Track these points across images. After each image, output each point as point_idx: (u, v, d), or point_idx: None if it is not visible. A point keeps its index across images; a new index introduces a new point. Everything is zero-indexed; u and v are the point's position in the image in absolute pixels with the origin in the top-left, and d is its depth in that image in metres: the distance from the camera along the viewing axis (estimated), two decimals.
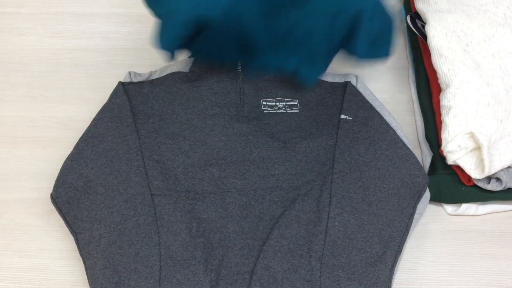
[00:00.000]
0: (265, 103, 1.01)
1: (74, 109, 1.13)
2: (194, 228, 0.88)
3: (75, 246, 0.96)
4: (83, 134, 0.98)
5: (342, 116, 0.98)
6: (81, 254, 0.89)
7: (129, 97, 1.01)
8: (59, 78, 1.18)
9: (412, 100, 1.14)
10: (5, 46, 1.23)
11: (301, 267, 0.84)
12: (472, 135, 0.94)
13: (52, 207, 0.99)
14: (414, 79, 1.14)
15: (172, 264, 0.85)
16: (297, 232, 0.87)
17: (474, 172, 0.93)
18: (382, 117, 1.00)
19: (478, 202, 0.99)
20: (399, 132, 1.00)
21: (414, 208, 0.92)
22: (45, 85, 1.17)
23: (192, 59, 1.07)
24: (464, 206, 0.98)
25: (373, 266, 0.85)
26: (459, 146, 0.94)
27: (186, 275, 0.84)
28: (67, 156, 0.97)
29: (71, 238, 0.97)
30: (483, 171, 0.91)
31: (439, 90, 1.04)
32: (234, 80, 1.03)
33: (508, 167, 0.93)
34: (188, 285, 0.83)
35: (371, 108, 1.00)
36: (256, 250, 0.87)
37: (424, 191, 0.94)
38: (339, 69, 1.15)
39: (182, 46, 0.93)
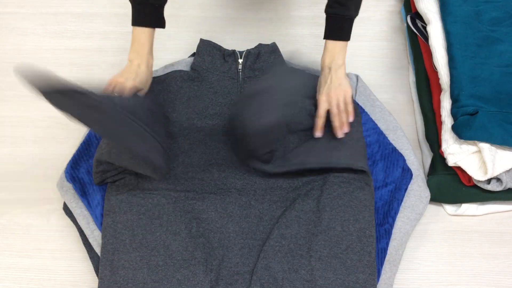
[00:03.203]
0: None
1: None
2: (194, 228, 0.88)
3: (75, 246, 0.97)
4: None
5: None
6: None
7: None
8: None
9: (412, 100, 1.14)
10: (5, 46, 1.23)
11: (301, 267, 0.84)
12: None
13: (52, 207, 0.99)
14: (414, 79, 1.14)
15: (172, 264, 0.85)
16: (297, 232, 0.87)
17: (476, 174, 0.93)
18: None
19: (478, 202, 0.99)
20: (399, 132, 1.00)
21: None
22: None
23: (193, 58, 1.07)
24: (464, 206, 0.98)
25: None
26: (460, 148, 0.94)
27: (186, 275, 0.84)
28: (66, 156, 0.97)
29: (71, 238, 0.97)
30: (485, 173, 0.91)
31: (439, 90, 1.04)
32: (235, 80, 1.03)
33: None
34: (188, 285, 0.83)
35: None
36: (256, 250, 0.87)
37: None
38: None
39: None
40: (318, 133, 0.94)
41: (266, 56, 1.04)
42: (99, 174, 0.92)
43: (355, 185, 0.92)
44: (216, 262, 0.86)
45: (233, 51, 1.05)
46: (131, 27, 0.92)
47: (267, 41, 1.08)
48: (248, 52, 1.04)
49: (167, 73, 1.05)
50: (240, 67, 1.03)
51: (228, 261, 0.87)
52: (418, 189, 0.96)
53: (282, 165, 0.92)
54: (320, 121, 0.94)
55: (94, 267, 0.91)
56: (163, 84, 1.03)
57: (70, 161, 0.95)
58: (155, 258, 0.85)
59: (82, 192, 0.93)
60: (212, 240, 0.88)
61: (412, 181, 0.96)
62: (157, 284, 0.83)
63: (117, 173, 0.93)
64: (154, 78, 1.04)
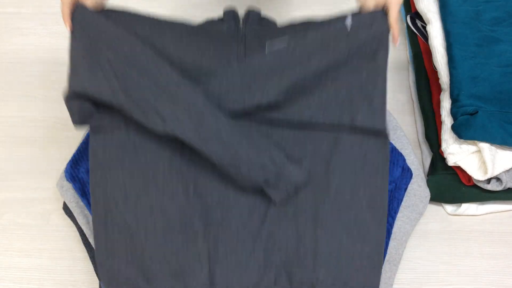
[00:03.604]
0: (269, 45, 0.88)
1: None
2: (191, 190, 0.82)
3: (75, 246, 0.96)
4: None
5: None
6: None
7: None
8: (59, 78, 1.17)
9: (412, 100, 1.14)
10: (5, 46, 1.23)
11: (306, 235, 0.80)
12: None
13: (52, 207, 0.99)
14: (414, 79, 1.15)
15: (170, 230, 0.80)
16: (303, 197, 0.82)
17: (476, 173, 0.93)
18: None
19: (478, 202, 0.99)
20: (399, 132, 1.00)
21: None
22: (45, 85, 1.16)
23: None
24: (464, 206, 0.98)
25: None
26: (460, 148, 0.94)
27: (185, 242, 0.79)
28: (66, 156, 0.97)
29: (71, 238, 0.97)
30: (485, 172, 0.91)
31: (439, 90, 1.04)
32: (235, 34, 0.90)
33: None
34: (187, 252, 0.79)
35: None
36: (257, 212, 0.82)
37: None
38: None
39: None
40: (398, 42, 0.83)
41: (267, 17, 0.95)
42: (75, 111, 0.82)
43: (369, 146, 0.83)
44: (214, 226, 0.81)
45: (232, 10, 0.93)
46: None
47: None
48: (250, 10, 0.93)
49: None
50: (241, 23, 0.92)
51: (228, 224, 0.81)
52: (418, 189, 0.96)
53: (289, 112, 0.83)
54: (397, 28, 0.82)
55: (94, 267, 0.91)
56: (146, 15, 0.88)
57: (70, 160, 0.95)
58: (152, 222, 0.80)
59: (82, 192, 0.93)
60: (210, 202, 0.82)
61: (412, 181, 0.96)
62: (157, 251, 0.79)
63: (96, 110, 0.83)
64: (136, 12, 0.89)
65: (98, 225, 0.82)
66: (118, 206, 0.81)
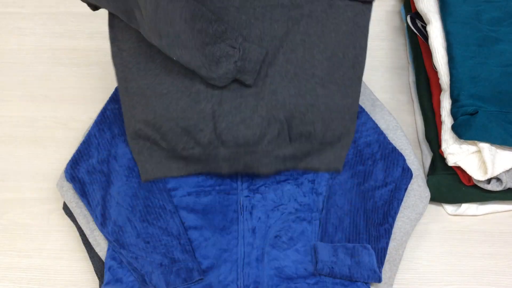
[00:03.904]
0: None
1: (74, 109, 1.13)
2: None
3: (75, 246, 0.96)
4: None
5: None
6: None
7: None
8: (59, 78, 1.18)
9: (412, 100, 1.14)
10: (5, 46, 1.23)
11: (307, 92, 0.85)
12: None
13: (52, 207, 0.99)
14: (414, 79, 1.15)
15: (175, 91, 0.86)
16: (302, 56, 0.86)
17: (476, 173, 0.93)
18: None
19: (478, 202, 0.99)
20: (399, 132, 1.00)
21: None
22: (45, 85, 1.16)
23: None
24: (464, 206, 0.98)
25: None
26: (460, 148, 0.94)
27: (188, 103, 0.85)
28: (66, 156, 0.97)
29: (71, 238, 0.97)
30: (485, 173, 0.91)
31: (439, 90, 1.04)
32: None
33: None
34: (192, 112, 0.85)
35: None
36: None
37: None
38: None
39: None
40: None
41: None
42: (88, 2, 0.89)
43: (358, 10, 0.89)
44: (217, 88, 0.85)
45: None
46: None
47: None
48: None
49: None
50: None
51: (230, 85, 0.85)
52: (418, 189, 0.96)
53: None
54: None
55: (94, 267, 0.91)
56: None
57: (70, 161, 0.95)
58: (160, 86, 0.86)
59: (82, 192, 0.93)
60: None
61: (412, 181, 0.96)
62: (166, 111, 0.85)
63: None
64: None
65: (121, 91, 0.89)
66: (133, 72, 0.88)
